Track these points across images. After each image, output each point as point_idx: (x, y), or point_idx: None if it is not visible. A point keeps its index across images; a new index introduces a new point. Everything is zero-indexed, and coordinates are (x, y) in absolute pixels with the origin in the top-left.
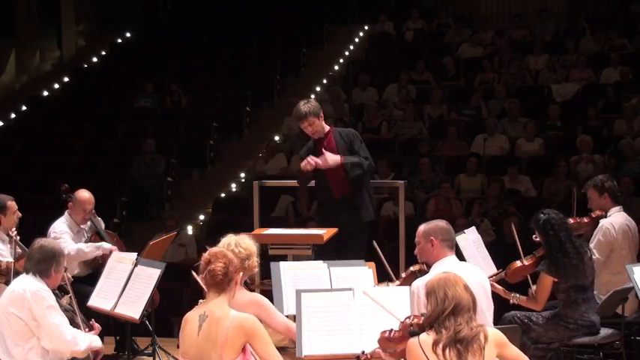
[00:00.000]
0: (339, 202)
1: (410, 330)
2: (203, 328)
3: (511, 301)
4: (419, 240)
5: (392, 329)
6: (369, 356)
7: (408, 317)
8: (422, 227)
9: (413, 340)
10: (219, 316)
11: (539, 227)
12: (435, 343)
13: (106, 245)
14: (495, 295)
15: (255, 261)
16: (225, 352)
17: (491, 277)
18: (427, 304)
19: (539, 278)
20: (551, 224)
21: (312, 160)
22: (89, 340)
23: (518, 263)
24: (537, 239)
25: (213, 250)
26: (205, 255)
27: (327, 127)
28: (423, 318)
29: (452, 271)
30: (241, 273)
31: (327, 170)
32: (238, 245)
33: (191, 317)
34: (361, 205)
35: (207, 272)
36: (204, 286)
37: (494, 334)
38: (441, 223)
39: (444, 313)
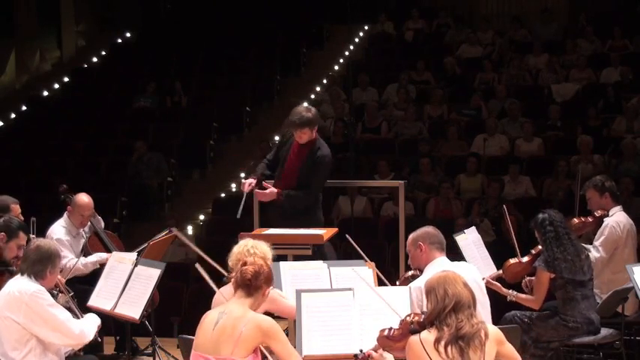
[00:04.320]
0: (280, 203)
1: (410, 328)
2: (220, 323)
3: (508, 298)
4: (409, 248)
5: (391, 327)
6: (366, 355)
7: (409, 315)
8: (410, 236)
9: (414, 338)
10: (238, 314)
11: (537, 225)
12: (437, 341)
13: (102, 255)
14: (496, 296)
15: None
16: (238, 347)
17: (490, 276)
18: (427, 303)
19: (536, 275)
20: (550, 221)
21: (247, 185)
22: (94, 327)
23: (511, 260)
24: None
25: (254, 257)
26: (245, 257)
27: (313, 136)
28: (423, 316)
29: (449, 271)
30: (271, 287)
31: (285, 170)
32: (254, 248)
33: (211, 314)
34: (304, 218)
35: (238, 271)
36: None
37: (494, 331)
38: (427, 228)
39: (445, 310)
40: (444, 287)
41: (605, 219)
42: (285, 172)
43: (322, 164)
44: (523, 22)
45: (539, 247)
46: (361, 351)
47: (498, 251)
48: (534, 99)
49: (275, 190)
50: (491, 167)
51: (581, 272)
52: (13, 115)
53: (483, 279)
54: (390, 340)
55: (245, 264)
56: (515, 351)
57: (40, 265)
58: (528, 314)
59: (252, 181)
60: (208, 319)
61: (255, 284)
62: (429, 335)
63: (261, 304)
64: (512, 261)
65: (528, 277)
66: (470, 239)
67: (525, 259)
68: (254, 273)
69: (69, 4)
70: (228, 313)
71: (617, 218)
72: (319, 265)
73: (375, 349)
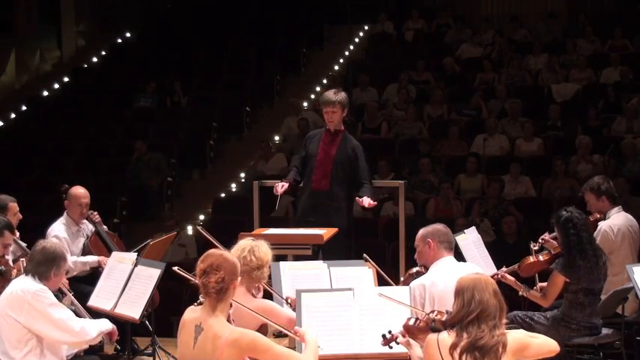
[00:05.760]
0: (315, 194)
1: (431, 325)
2: (198, 341)
3: (520, 292)
4: (417, 243)
5: (417, 318)
6: (394, 337)
7: (432, 312)
8: (420, 231)
9: (432, 337)
10: (215, 331)
11: (560, 225)
12: (453, 346)
13: (92, 258)
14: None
15: (265, 272)
16: None
17: (505, 270)
18: (454, 303)
19: (552, 276)
20: (573, 223)
21: (280, 188)
22: (99, 326)
23: (531, 258)
24: (541, 242)
25: (210, 258)
26: (201, 264)
27: (342, 127)
28: (446, 315)
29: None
30: (239, 278)
31: (317, 162)
32: (252, 253)
33: (188, 322)
34: (336, 210)
35: (201, 283)
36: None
37: (513, 342)
38: (438, 226)
39: (469, 316)
40: (472, 291)
41: (599, 223)
42: (318, 162)
43: (362, 152)
44: (523, 22)
45: (557, 245)
46: (390, 332)
47: (498, 251)
48: (534, 99)
49: (368, 200)
50: (491, 167)
51: (597, 281)
52: (13, 115)
53: (498, 273)
54: (412, 329)
55: (204, 273)
56: (546, 341)
57: (45, 266)
58: (530, 314)
59: (284, 184)
60: (186, 329)
61: (222, 290)
62: (447, 338)
63: (232, 296)
64: (531, 259)
65: (540, 284)
66: (470, 239)
67: (543, 257)
68: (216, 285)
69: (69, 4)
70: (205, 327)
71: (612, 222)
72: (319, 265)
73: (402, 334)
